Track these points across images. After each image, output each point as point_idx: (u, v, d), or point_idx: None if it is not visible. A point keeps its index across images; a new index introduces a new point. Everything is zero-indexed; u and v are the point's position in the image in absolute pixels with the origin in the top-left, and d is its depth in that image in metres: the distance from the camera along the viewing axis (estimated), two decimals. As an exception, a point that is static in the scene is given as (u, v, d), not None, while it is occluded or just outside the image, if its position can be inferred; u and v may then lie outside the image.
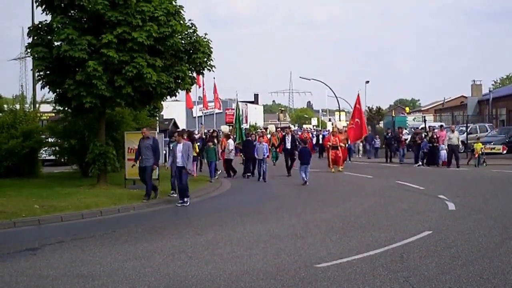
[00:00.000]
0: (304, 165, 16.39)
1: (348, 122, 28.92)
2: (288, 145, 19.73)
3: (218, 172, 18.80)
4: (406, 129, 31.07)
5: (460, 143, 22.47)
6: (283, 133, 23.20)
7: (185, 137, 17.81)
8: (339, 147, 21.29)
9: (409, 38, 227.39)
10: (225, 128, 23.26)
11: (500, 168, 20.57)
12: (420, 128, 30.87)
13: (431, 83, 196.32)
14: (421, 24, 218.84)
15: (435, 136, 22.63)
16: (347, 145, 23.10)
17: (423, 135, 23.66)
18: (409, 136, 28.17)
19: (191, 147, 12.76)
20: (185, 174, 12.54)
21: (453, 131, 22.43)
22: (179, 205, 12.45)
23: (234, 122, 24.21)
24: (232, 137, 20.66)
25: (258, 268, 6.63)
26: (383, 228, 9.04)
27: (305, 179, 16.17)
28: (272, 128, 28.01)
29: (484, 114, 41.55)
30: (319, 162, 24.83)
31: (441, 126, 25.67)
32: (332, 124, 24.98)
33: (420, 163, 23.10)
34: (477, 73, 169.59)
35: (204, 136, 22.65)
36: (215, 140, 19.38)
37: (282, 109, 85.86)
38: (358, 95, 24.92)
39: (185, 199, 12.53)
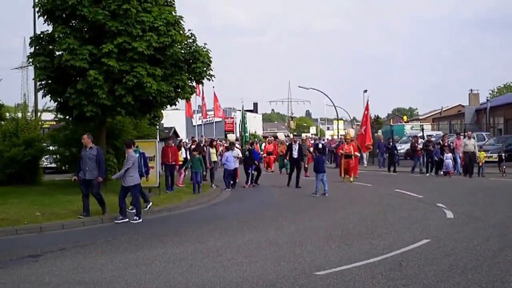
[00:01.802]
0: (321, 173, 15.66)
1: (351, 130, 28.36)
2: (295, 155, 18.34)
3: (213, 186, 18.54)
4: (422, 138, 28.99)
5: (477, 150, 21.40)
6: (288, 142, 21.95)
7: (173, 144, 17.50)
8: (352, 156, 20.23)
9: (407, 47, 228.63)
10: (231, 137, 22.57)
11: (498, 176, 20.62)
12: (418, 136, 30.84)
13: (428, 92, 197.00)
14: (418, 33, 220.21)
15: (446, 144, 21.92)
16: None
17: (437, 143, 22.72)
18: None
19: (129, 159, 11.32)
20: (122, 190, 11.43)
21: (469, 138, 21.59)
22: (134, 221, 11.32)
23: (240, 130, 23.75)
24: (237, 145, 19.98)
25: (258, 276, 6.68)
26: (381, 236, 9.10)
27: (321, 190, 15.56)
28: (281, 136, 26.99)
29: (482, 123, 41.75)
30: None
31: (458, 134, 24.47)
32: (345, 131, 23.07)
33: (432, 172, 22.36)
34: (474, 82, 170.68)
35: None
36: (214, 149, 19.32)
37: (292, 116, 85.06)
38: (367, 102, 24.02)
39: (135, 217, 11.41)
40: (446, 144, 22.19)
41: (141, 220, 11.37)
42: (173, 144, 17.84)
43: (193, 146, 20.19)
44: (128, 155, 11.42)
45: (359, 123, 72.47)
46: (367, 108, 24.07)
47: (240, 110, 75.71)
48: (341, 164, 20.57)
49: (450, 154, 21.45)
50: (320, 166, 15.91)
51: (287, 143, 21.96)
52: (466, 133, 23.08)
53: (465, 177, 20.85)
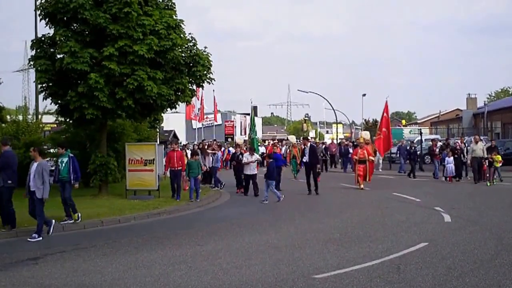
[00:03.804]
0: (271, 180, 15.18)
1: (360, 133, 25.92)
2: (306, 158, 17.17)
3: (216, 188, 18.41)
4: (439, 141, 27.32)
5: (485, 155, 20.02)
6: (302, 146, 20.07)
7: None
8: (367, 162, 18.82)
9: (405, 51, 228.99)
10: (239, 139, 21.86)
11: (496, 180, 20.59)
12: (416, 140, 30.69)
13: (427, 96, 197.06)
14: (416, 38, 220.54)
15: (457, 147, 21.20)
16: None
17: (456, 147, 21.51)
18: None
19: (46, 168, 10.09)
20: (38, 203, 9.85)
21: (476, 142, 20.27)
22: (31, 240, 9.59)
23: (250, 132, 22.21)
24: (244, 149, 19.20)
25: (257, 279, 6.73)
26: (380, 239, 9.16)
27: (266, 197, 14.97)
28: (292, 139, 25.74)
29: (479, 127, 41.84)
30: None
31: (477, 136, 22.63)
32: (359, 135, 21.15)
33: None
34: (472, 87, 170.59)
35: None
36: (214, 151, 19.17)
37: (306, 118, 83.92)
38: (386, 103, 22.02)
39: (34, 234, 9.70)
40: (457, 147, 21.23)
41: (40, 238, 9.70)
42: (178, 148, 16.83)
43: (209, 150, 19.43)
44: (38, 164, 9.99)
45: (358, 127, 72.45)
46: (386, 110, 21.99)
47: (240, 114, 75.42)
48: (355, 170, 19.20)
49: (451, 158, 20.60)
50: (271, 173, 15.25)
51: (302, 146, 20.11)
52: (474, 137, 21.72)
53: (475, 183, 19.72)
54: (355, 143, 27.80)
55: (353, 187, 19.26)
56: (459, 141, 22.90)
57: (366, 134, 21.73)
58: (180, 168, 15.73)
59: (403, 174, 24.88)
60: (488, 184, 19.04)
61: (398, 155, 27.06)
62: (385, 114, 21.99)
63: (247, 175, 17.02)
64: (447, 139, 26.56)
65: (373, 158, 19.96)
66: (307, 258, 7.82)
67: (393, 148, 28.75)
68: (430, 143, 25.41)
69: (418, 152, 26.85)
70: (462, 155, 21.11)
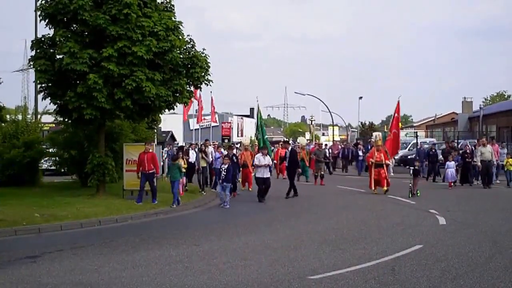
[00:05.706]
0: (227, 183, 14.72)
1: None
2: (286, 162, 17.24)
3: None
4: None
5: (494, 159, 19.50)
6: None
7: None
8: (384, 165, 17.81)
9: (401, 54, 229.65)
10: (245, 140, 21.17)
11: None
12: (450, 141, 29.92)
13: (422, 99, 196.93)
14: (413, 41, 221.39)
15: (467, 151, 20.60)
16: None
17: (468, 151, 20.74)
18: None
19: None
20: None
21: (485, 145, 19.56)
22: None
23: (256, 132, 21.62)
24: (249, 149, 18.63)
25: (253, 279, 6.79)
26: (375, 241, 9.23)
27: (226, 202, 14.57)
28: (302, 141, 25.07)
29: (475, 130, 41.93)
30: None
31: (492, 138, 22.18)
32: (376, 137, 19.28)
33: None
34: (468, 90, 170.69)
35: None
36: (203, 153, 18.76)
37: (312, 120, 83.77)
38: (398, 103, 20.53)
39: None
40: (467, 150, 20.37)
41: None
42: (150, 150, 15.01)
43: (209, 151, 18.86)
44: None
45: (354, 130, 72.23)
46: (397, 110, 20.60)
47: (237, 115, 75.03)
48: (371, 174, 18.05)
49: (452, 163, 19.67)
50: (229, 175, 14.72)
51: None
52: (481, 140, 20.93)
53: (484, 188, 19.01)
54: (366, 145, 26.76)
55: (349, 189, 19.34)
56: (469, 145, 22.03)
57: (381, 136, 20.24)
58: (153, 170, 14.71)
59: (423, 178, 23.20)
60: (410, 196, 16.22)
61: (417, 159, 26.24)
62: (396, 115, 20.68)
63: (259, 178, 15.97)
64: (453, 142, 26.09)
65: (389, 162, 19.00)
66: (303, 259, 7.88)
67: (412, 151, 28.35)
68: (444, 146, 24.38)
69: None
70: (472, 159, 20.22)
